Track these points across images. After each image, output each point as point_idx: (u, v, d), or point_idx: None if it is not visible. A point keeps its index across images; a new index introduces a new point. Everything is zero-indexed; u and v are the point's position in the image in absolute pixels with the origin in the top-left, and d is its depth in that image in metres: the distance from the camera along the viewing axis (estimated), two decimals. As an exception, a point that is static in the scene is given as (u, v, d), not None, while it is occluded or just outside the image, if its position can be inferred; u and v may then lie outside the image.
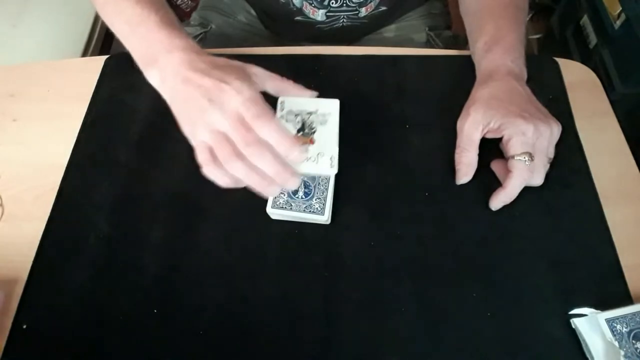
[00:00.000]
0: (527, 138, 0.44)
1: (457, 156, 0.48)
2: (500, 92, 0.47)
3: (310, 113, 0.45)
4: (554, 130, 0.45)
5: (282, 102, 0.46)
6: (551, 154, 0.46)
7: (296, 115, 0.45)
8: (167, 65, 0.42)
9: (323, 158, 0.43)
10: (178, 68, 0.41)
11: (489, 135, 0.46)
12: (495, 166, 0.48)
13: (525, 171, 0.44)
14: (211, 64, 0.41)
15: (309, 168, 0.43)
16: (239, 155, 0.38)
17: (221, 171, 0.38)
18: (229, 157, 0.37)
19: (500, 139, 0.46)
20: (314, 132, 0.44)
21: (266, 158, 0.37)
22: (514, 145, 0.44)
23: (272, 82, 0.44)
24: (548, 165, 0.46)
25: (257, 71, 0.43)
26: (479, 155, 0.47)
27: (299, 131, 0.45)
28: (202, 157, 0.38)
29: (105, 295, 0.43)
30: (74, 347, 0.41)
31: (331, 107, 0.46)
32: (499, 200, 0.46)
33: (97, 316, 0.43)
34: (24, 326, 0.42)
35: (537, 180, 0.45)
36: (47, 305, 0.43)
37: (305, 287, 0.43)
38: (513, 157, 0.44)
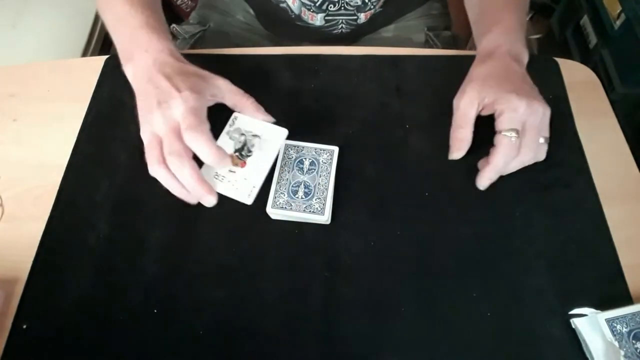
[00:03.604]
0: (518, 115, 0.44)
1: (452, 133, 0.47)
2: (497, 70, 0.47)
3: (255, 135, 0.45)
4: (546, 111, 0.45)
5: (235, 118, 0.46)
6: (546, 133, 0.45)
7: (242, 134, 0.45)
8: (140, 63, 0.44)
9: (245, 185, 0.42)
10: (149, 67, 0.43)
11: (484, 112, 0.46)
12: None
13: (509, 147, 0.44)
14: (178, 70, 0.43)
15: (228, 191, 0.42)
16: (163, 162, 0.40)
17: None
18: (153, 160, 0.40)
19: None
20: (250, 155, 0.44)
21: (184, 170, 0.39)
22: (503, 121, 0.44)
23: (231, 96, 0.45)
24: (546, 145, 0.45)
25: (221, 84, 0.45)
26: (479, 152, 0.47)
27: (236, 151, 0.44)
28: (146, 154, 0.41)
29: (105, 296, 0.43)
30: (74, 347, 0.41)
31: (277, 136, 0.45)
32: (486, 176, 0.46)
33: (97, 316, 0.43)
34: (24, 326, 0.42)
35: (526, 157, 0.44)
36: (47, 305, 0.43)
37: (305, 287, 0.43)
38: (500, 132, 0.44)
